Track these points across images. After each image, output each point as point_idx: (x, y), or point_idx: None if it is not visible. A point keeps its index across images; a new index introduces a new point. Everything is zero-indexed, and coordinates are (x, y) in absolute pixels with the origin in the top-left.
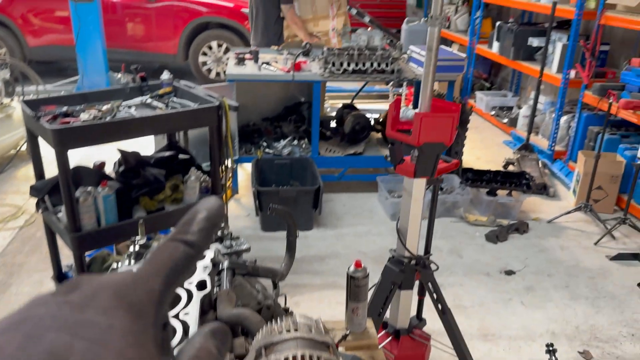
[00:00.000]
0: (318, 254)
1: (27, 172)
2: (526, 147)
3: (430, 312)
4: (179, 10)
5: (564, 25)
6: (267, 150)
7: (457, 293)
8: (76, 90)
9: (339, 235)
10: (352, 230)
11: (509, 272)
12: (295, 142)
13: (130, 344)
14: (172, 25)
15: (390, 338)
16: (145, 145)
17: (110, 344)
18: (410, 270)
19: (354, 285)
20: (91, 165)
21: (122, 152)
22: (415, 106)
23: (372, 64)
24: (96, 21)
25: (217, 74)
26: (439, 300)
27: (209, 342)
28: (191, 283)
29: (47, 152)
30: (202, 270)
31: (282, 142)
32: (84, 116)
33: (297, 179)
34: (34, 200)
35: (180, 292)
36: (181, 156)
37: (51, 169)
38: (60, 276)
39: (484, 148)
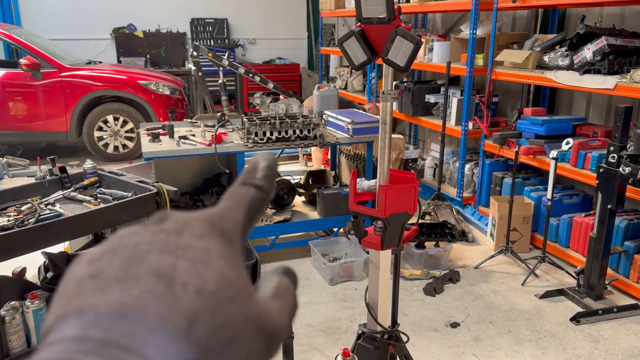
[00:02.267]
0: None
1: None
2: (438, 197)
3: None
4: (69, 85)
5: (454, 81)
6: None
7: (412, 355)
8: None
9: None
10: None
11: (454, 325)
12: None
13: (228, 265)
14: (63, 102)
15: None
16: None
17: (212, 264)
18: (384, 346)
19: None
20: (8, 273)
21: (49, 255)
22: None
23: (294, 131)
24: None
25: (115, 147)
26: None
27: (285, 278)
28: None
29: None
30: None
31: None
32: (1, 221)
33: None
34: None
35: None
36: None
37: None
38: None
39: None
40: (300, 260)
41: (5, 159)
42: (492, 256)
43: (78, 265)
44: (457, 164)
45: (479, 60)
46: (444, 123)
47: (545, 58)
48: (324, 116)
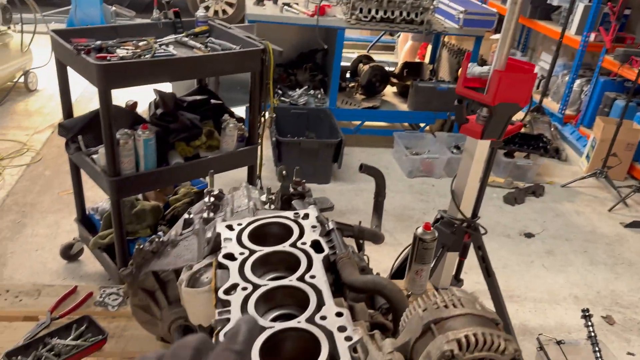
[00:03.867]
0: (338, 209)
1: (26, 107)
2: (538, 109)
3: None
4: None
5: None
6: (282, 98)
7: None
8: (69, 23)
9: (358, 190)
10: (370, 185)
11: (529, 235)
12: (311, 91)
13: None
14: None
15: None
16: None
17: None
18: (461, 233)
19: (422, 248)
20: (121, 105)
21: (160, 93)
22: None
23: (401, 13)
24: None
25: (215, 12)
26: (485, 263)
27: None
28: (305, 243)
29: (48, 86)
30: (310, 230)
31: (298, 91)
32: (120, 52)
33: (313, 130)
34: (38, 136)
35: (297, 253)
36: (213, 101)
37: (52, 106)
38: (84, 219)
39: None
40: (381, 150)
41: (114, 8)
42: (583, 177)
43: None
44: (567, 78)
45: None
46: (563, 30)
47: None
48: (435, 1)
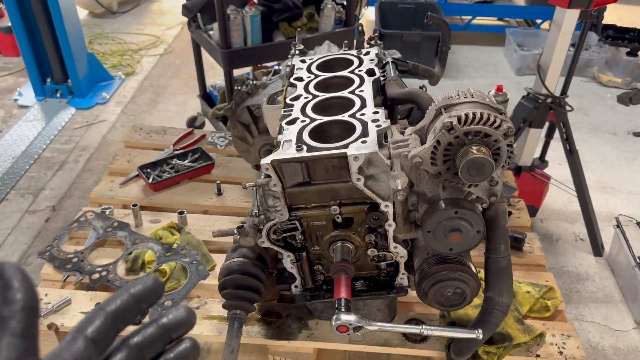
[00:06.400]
0: None
1: (160, 7)
2: None
3: (552, 160)
4: None
5: None
6: None
7: (579, 148)
8: None
9: (458, 86)
10: (472, 82)
11: (638, 134)
12: None
13: None
14: None
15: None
16: None
17: None
18: (544, 109)
19: None
20: None
21: None
22: None
23: None
24: None
25: None
26: (568, 140)
27: None
28: (361, 70)
29: None
30: (369, 62)
31: None
32: None
33: (419, 26)
34: (170, 31)
35: (353, 76)
36: None
37: (174, 3)
38: (205, 95)
39: (627, 9)
40: (491, 48)
41: None
42: None
43: None
44: None
45: None
46: None
47: None
48: None
